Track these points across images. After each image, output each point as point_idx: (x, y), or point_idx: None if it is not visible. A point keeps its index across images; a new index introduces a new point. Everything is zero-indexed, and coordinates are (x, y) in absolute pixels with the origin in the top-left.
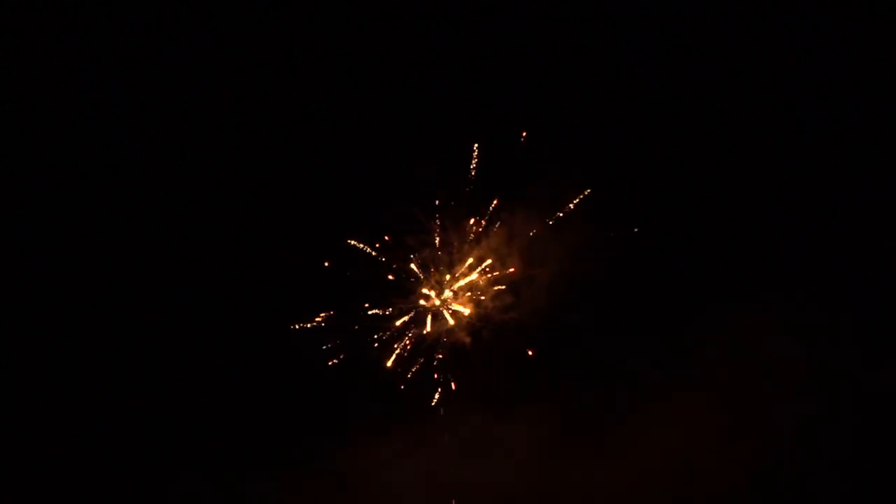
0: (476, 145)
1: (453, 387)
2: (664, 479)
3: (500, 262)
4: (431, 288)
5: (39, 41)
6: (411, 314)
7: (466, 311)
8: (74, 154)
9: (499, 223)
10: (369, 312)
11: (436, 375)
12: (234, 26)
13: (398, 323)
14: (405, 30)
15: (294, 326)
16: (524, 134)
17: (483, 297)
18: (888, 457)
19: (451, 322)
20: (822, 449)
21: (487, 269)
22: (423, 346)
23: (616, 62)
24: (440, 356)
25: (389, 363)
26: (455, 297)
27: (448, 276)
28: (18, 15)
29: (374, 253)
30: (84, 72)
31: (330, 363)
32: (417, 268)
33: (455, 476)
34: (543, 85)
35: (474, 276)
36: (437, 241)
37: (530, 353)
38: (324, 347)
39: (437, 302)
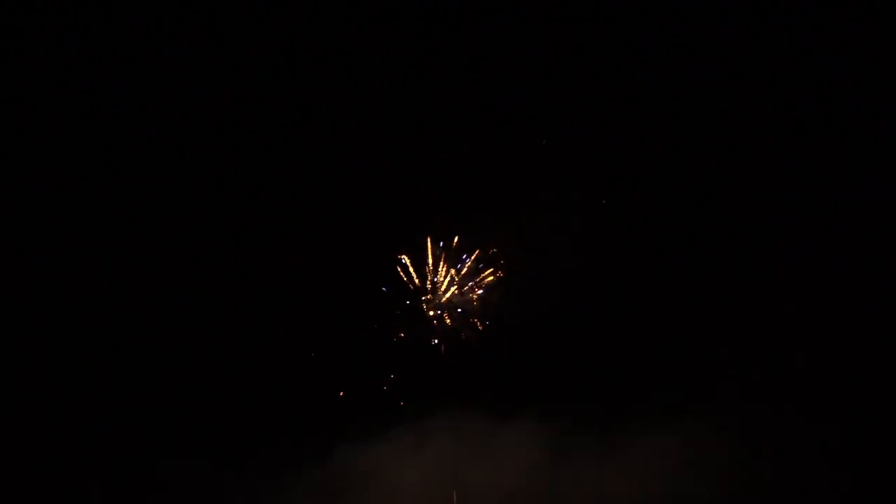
0: (481, 144)
1: (453, 386)
2: (666, 480)
3: (504, 262)
4: (434, 287)
5: (39, 41)
6: (413, 312)
7: (468, 309)
8: (76, 154)
9: (503, 224)
10: (369, 312)
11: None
12: (235, 27)
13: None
14: (416, 29)
15: (293, 325)
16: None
17: (482, 294)
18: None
19: (449, 321)
20: (822, 452)
21: (491, 269)
22: (424, 345)
23: (626, 64)
24: (441, 356)
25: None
26: (457, 296)
27: (452, 276)
28: (18, 15)
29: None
30: (84, 72)
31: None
32: (422, 265)
33: (456, 476)
34: (550, 86)
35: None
36: (438, 241)
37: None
38: (324, 347)
39: (439, 302)
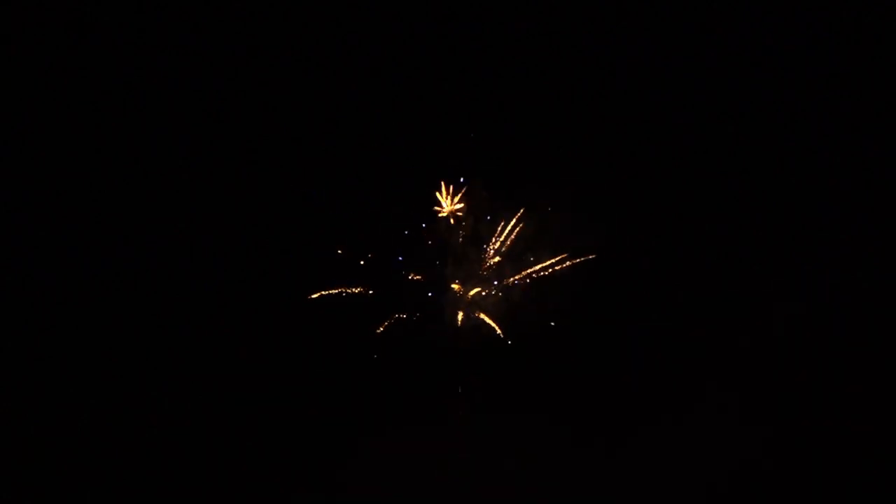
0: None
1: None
2: (673, 481)
3: (522, 259)
4: (451, 283)
5: (39, 41)
6: (429, 308)
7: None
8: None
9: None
10: (392, 315)
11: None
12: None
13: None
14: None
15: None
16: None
17: (500, 291)
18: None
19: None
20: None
21: (509, 266)
22: (440, 338)
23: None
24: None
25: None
26: (474, 293)
27: (465, 274)
28: (18, 15)
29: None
30: (85, 72)
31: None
32: (440, 261)
33: (462, 475)
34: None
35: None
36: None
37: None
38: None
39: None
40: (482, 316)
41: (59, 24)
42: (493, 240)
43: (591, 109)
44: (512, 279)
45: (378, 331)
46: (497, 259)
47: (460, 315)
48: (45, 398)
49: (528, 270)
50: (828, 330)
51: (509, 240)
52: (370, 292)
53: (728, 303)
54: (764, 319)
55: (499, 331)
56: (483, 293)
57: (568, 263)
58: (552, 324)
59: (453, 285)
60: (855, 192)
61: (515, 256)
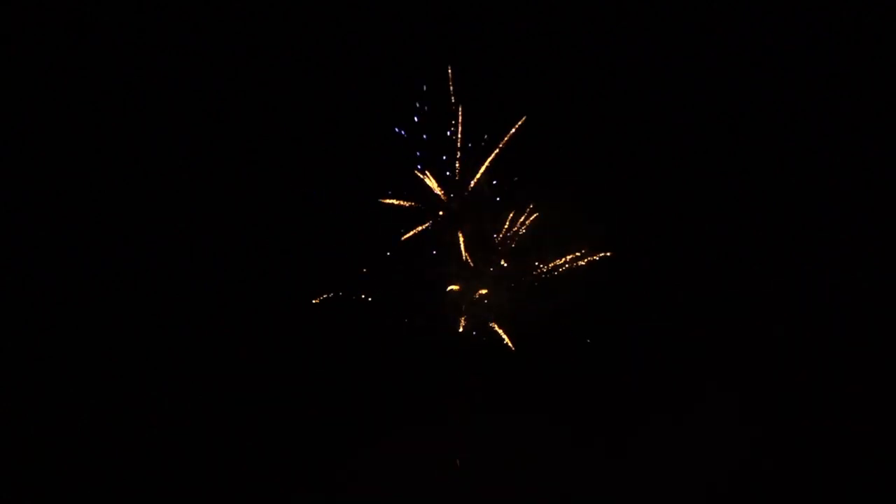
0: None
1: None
2: (673, 481)
3: (528, 260)
4: (452, 283)
5: (39, 41)
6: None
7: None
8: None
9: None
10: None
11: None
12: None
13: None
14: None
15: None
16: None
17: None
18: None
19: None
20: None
21: (516, 266)
22: (441, 339)
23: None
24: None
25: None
26: (476, 294)
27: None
28: (18, 15)
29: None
30: (84, 72)
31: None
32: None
33: (462, 475)
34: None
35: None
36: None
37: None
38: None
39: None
40: (492, 325)
41: (59, 24)
42: (495, 240)
43: (592, 109)
44: (513, 279)
45: (378, 332)
46: (502, 261)
47: (463, 319)
48: (46, 398)
49: (536, 272)
50: (828, 330)
51: (513, 243)
52: (370, 293)
53: (728, 303)
54: (764, 319)
55: (506, 339)
56: (485, 294)
57: (572, 263)
58: (552, 324)
59: (453, 286)
60: (855, 192)
61: (518, 256)
